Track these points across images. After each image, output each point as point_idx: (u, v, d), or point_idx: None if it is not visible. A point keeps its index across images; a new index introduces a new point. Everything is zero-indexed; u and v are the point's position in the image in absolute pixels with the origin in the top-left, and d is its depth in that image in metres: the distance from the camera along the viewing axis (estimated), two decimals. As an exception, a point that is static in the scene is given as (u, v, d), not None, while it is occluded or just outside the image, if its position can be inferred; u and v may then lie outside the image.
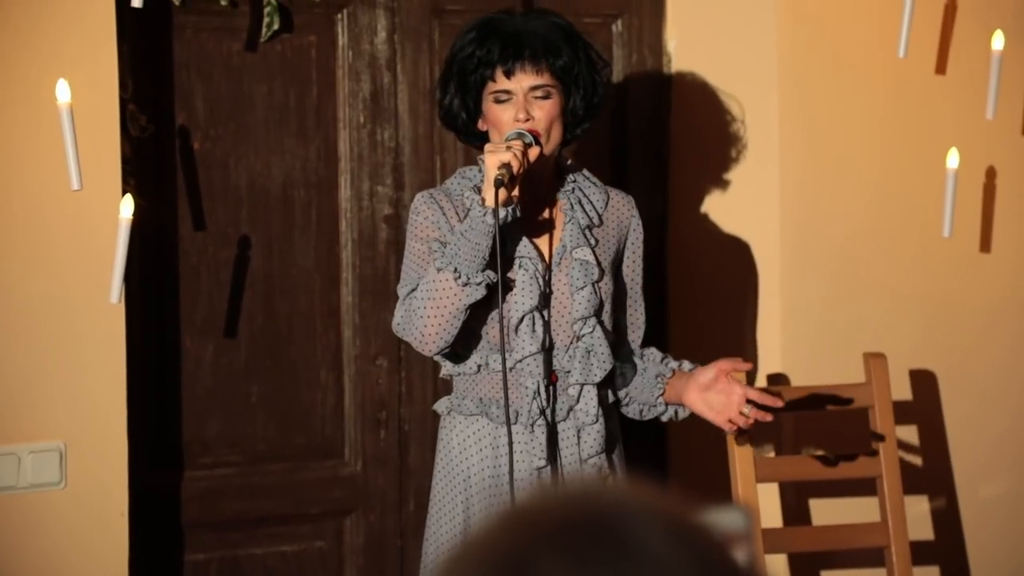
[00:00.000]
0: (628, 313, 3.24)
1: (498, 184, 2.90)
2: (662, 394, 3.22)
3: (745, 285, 4.00)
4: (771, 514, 3.92)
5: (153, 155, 3.62)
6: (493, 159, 2.93)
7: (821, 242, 3.99)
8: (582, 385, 3.08)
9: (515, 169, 2.92)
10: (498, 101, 3.05)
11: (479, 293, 2.97)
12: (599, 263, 3.11)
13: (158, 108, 3.61)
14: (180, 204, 3.65)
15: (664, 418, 3.27)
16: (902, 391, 4.03)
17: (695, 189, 4.03)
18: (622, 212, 3.20)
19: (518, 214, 2.98)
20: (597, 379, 3.09)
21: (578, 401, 3.09)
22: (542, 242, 3.11)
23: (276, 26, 3.67)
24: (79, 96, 3.34)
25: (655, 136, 4.04)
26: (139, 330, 3.58)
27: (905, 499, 3.71)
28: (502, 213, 2.93)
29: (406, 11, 3.80)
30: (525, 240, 3.07)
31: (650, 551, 1.24)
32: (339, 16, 3.76)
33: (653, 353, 3.24)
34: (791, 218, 3.97)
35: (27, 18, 3.36)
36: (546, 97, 3.04)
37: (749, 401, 3.16)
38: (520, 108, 3.02)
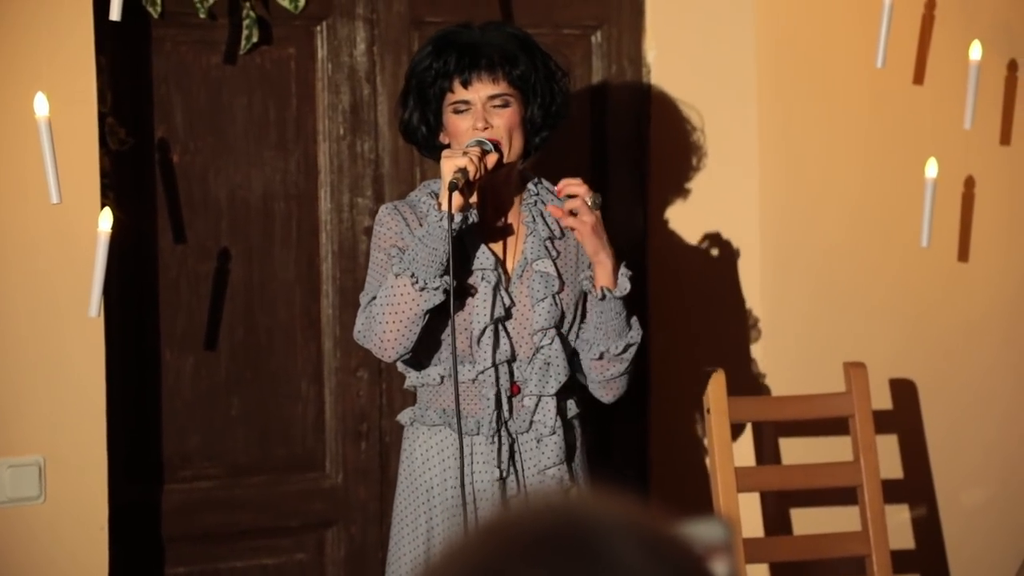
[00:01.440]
0: (587, 324, 3.18)
1: (452, 188, 2.92)
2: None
3: (726, 295, 4.01)
4: (752, 524, 3.93)
5: (132, 168, 3.61)
6: (449, 164, 2.95)
7: (801, 252, 3.99)
8: (539, 396, 3.09)
9: (471, 174, 2.94)
10: (457, 112, 3.07)
11: (436, 298, 2.98)
12: (560, 275, 3.13)
13: (137, 121, 3.61)
14: (160, 217, 3.64)
15: (611, 327, 3.12)
16: (882, 400, 4.04)
17: (675, 199, 4.04)
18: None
19: (474, 219, 3.00)
20: (552, 391, 3.09)
21: (535, 412, 3.10)
22: (506, 255, 3.14)
23: (255, 38, 3.67)
24: (57, 109, 3.33)
25: (634, 146, 4.04)
26: (119, 343, 3.58)
27: (886, 508, 3.72)
28: (458, 218, 2.94)
29: (385, 23, 3.81)
30: (487, 251, 3.09)
31: (625, 564, 1.24)
32: (318, 28, 3.76)
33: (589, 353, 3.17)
34: (771, 228, 3.97)
35: (4, 31, 3.36)
36: (504, 106, 3.05)
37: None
38: (479, 117, 3.04)
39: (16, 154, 3.35)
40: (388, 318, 3.00)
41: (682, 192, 4.03)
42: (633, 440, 4.05)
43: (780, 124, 3.97)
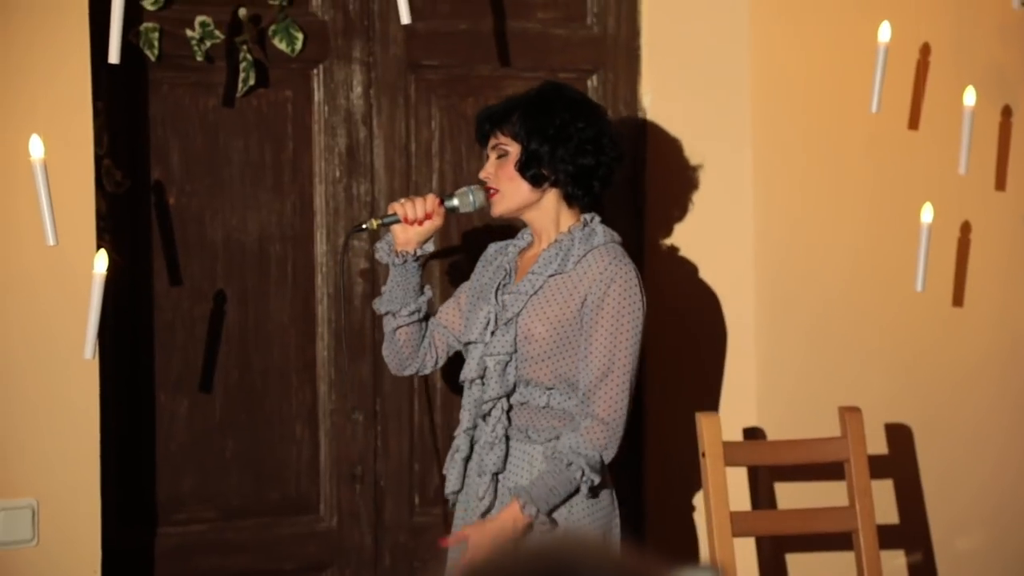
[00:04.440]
0: (580, 360, 3.27)
1: (356, 229, 3.43)
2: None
3: (721, 339, 4.01)
4: (748, 569, 3.91)
5: (128, 210, 3.62)
6: (390, 208, 3.39)
7: (796, 296, 3.99)
8: (493, 405, 3.31)
9: (401, 217, 3.35)
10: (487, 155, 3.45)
11: (390, 322, 3.41)
12: (526, 306, 3.32)
13: (133, 163, 3.62)
14: (155, 259, 3.64)
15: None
16: (878, 445, 4.03)
17: (670, 242, 4.04)
18: (592, 268, 3.29)
19: (422, 252, 3.37)
20: (484, 410, 3.31)
21: (494, 420, 3.31)
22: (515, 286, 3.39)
23: (252, 81, 3.68)
24: (54, 152, 3.34)
25: (630, 189, 4.05)
26: (113, 386, 3.57)
27: (881, 554, 3.70)
28: (412, 252, 3.37)
29: (382, 66, 3.82)
30: (502, 283, 3.39)
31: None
32: (315, 71, 3.77)
33: (567, 437, 3.26)
34: (766, 272, 3.98)
35: (2, 74, 3.37)
36: (502, 157, 3.38)
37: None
38: (486, 170, 3.41)
39: (12, 196, 3.36)
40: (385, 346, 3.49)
41: (677, 235, 4.03)
42: (628, 483, 4.04)
43: (774, 168, 3.98)
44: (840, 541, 3.77)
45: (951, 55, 4.09)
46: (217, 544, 3.70)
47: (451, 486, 3.36)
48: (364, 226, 3.38)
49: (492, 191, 3.37)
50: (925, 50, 4.08)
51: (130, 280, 3.60)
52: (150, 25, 3.59)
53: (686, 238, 4.02)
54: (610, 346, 3.22)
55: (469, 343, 3.33)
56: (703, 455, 3.60)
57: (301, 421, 3.77)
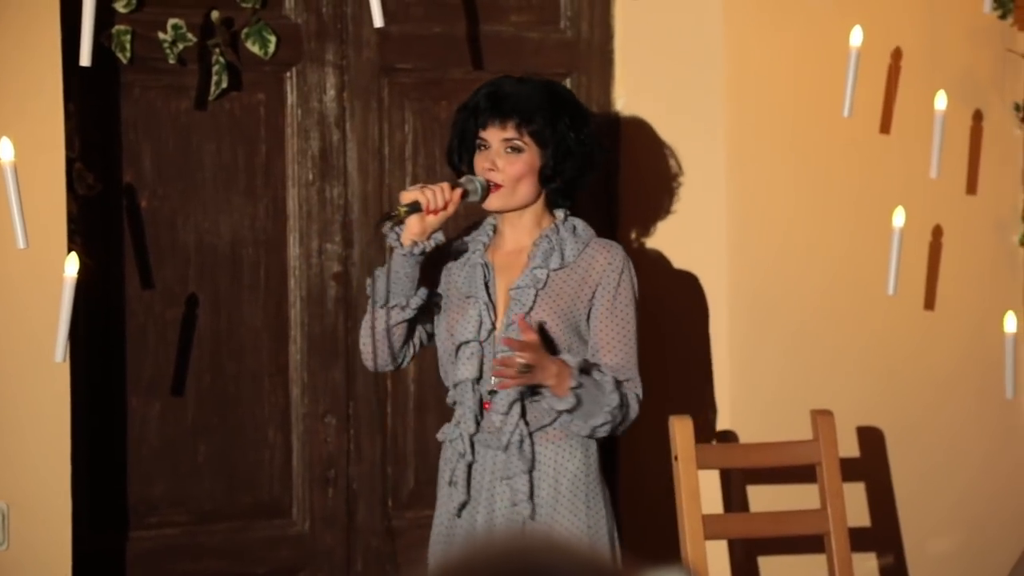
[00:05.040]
0: (589, 351, 3.30)
1: (386, 218, 3.23)
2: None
3: (694, 341, 4.01)
4: (720, 572, 3.92)
5: (100, 214, 3.60)
6: (406, 196, 3.23)
7: (769, 299, 4.00)
8: (505, 414, 3.24)
9: (424, 206, 3.20)
10: (478, 148, 3.30)
11: (382, 318, 3.27)
12: (537, 302, 3.26)
13: (105, 166, 3.61)
14: (127, 262, 3.63)
15: (570, 418, 3.28)
16: (850, 448, 4.04)
17: (644, 246, 4.05)
18: (595, 260, 3.31)
19: (429, 246, 3.23)
20: (502, 410, 3.23)
21: (501, 427, 3.24)
22: (504, 283, 3.32)
23: (224, 84, 3.67)
24: (25, 154, 3.33)
25: (604, 193, 4.06)
26: (84, 389, 3.56)
27: (853, 556, 3.71)
28: (422, 244, 3.21)
29: (355, 70, 3.82)
30: (485, 280, 3.31)
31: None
32: (288, 74, 3.76)
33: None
34: (739, 275, 3.99)
35: (-27, 76, 3.35)
36: (515, 151, 3.26)
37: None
38: (488, 157, 3.28)
39: (-17, 199, 3.34)
40: (363, 333, 3.32)
41: (651, 239, 4.04)
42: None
43: (748, 172, 3.99)
44: (812, 544, 3.78)
45: (923, 59, 4.11)
46: (189, 548, 3.69)
47: (461, 496, 3.26)
48: (392, 214, 3.21)
49: (494, 186, 3.27)
50: (897, 54, 4.09)
51: (102, 283, 3.59)
52: (122, 28, 3.58)
53: (659, 241, 4.03)
54: (631, 333, 3.30)
55: (462, 343, 3.25)
56: (675, 458, 3.60)
57: (273, 425, 3.77)
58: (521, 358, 3.13)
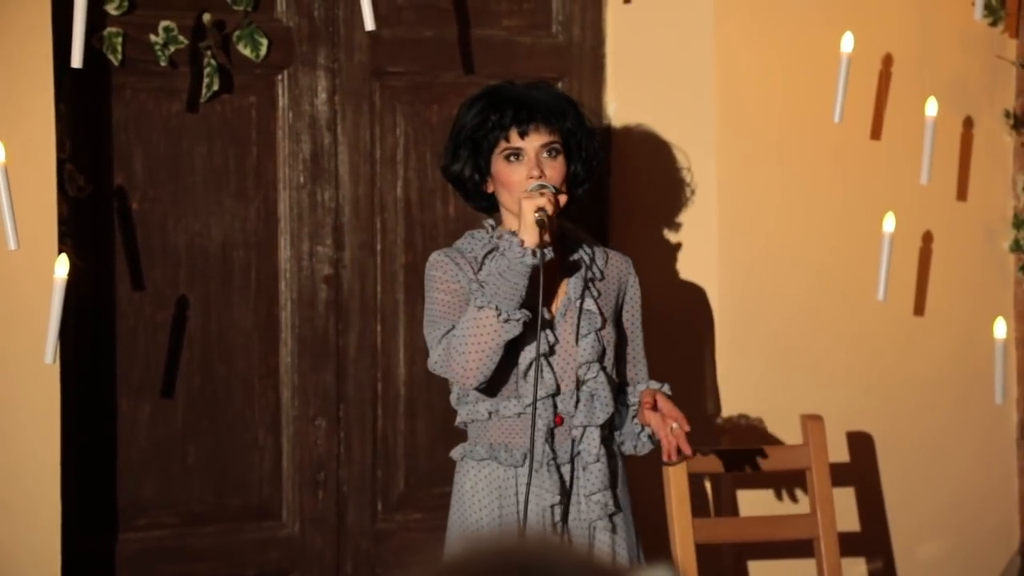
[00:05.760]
0: (628, 362, 3.37)
1: (540, 224, 3.11)
2: (634, 417, 3.31)
3: (684, 347, 4.02)
4: (710, 576, 3.92)
5: (91, 215, 3.60)
6: (530, 203, 3.13)
7: (759, 304, 4.01)
8: (585, 427, 3.22)
9: (550, 212, 3.13)
10: (508, 160, 3.22)
11: (516, 329, 3.14)
12: (601, 313, 3.27)
13: (96, 168, 3.61)
14: (118, 264, 3.63)
15: (646, 444, 3.33)
16: (840, 453, 4.05)
17: (634, 250, 4.05)
18: (621, 269, 3.36)
19: (551, 255, 3.15)
20: (600, 421, 3.23)
21: (581, 441, 3.22)
22: (548, 294, 3.25)
23: (216, 87, 3.67)
24: (16, 156, 3.33)
25: (594, 198, 4.06)
26: (74, 390, 3.56)
27: (843, 561, 3.72)
28: (540, 253, 3.11)
29: (347, 73, 3.82)
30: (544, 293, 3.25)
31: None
32: (280, 77, 3.77)
33: (635, 389, 3.36)
34: (729, 280, 3.99)
35: (-35, 77, 3.35)
36: (555, 155, 3.22)
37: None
38: (533, 165, 3.20)
39: (-26, 200, 3.34)
40: (471, 348, 3.14)
41: (641, 244, 4.04)
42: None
43: (738, 177, 4.00)
44: (801, 548, 3.78)
45: (913, 66, 4.12)
46: (179, 550, 3.68)
47: (554, 497, 3.21)
48: (540, 219, 3.10)
49: (558, 193, 3.17)
50: (887, 61, 4.10)
51: (92, 285, 3.59)
52: (113, 30, 3.58)
53: (650, 246, 4.03)
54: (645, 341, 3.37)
55: (531, 360, 3.17)
56: (665, 463, 3.60)
57: (264, 427, 3.77)
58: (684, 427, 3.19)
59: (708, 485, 3.97)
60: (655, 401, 3.23)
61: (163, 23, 3.61)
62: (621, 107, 4.06)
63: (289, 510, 3.79)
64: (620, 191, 4.06)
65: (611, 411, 3.23)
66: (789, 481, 3.88)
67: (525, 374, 3.20)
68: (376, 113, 3.85)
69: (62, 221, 3.48)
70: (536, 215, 3.10)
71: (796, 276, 4.04)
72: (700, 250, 3.99)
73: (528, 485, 3.17)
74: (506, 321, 3.12)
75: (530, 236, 3.11)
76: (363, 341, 3.83)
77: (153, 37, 3.60)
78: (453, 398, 3.30)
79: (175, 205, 3.69)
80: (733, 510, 3.97)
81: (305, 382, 3.79)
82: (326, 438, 3.81)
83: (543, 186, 3.17)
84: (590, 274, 3.28)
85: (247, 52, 3.70)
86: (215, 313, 3.72)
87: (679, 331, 4.02)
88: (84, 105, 3.58)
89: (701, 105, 3.98)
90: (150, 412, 3.66)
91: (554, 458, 3.21)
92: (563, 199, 3.20)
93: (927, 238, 4.18)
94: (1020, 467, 4.28)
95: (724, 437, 3.98)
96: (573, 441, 3.23)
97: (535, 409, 3.18)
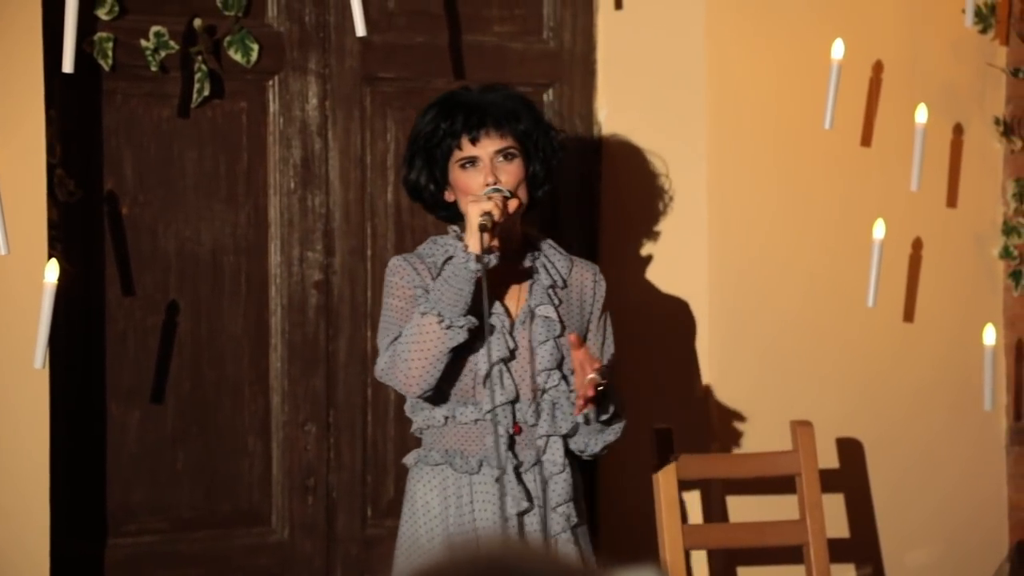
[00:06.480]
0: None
1: (482, 229, 3.05)
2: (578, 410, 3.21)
3: (675, 352, 4.02)
4: (699, 582, 3.92)
5: (81, 220, 3.60)
6: (475, 208, 3.08)
7: (749, 310, 4.01)
8: (548, 436, 3.17)
9: (496, 217, 3.07)
10: (464, 168, 3.19)
11: (461, 336, 3.09)
12: (561, 320, 3.23)
13: (86, 173, 3.60)
14: (108, 269, 3.63)
15: (591, 433, 3.22)
16: (829, 459, 4.05)
17: (625, 257, 4.06)
18: (585, 277, 3.31)
19: (495, 262, 3.09)
20: (563, 431, 3.19)
21: (545, 452, 3.18)
22: (509, 301, 3.23)
23: (207, 92, 3.68)
24: (5, 160, 3.33)
25: (585, 204, 4.07)
26: (64, 395, 3.55)
27: (832, 567, 3.72)
28: (484, 259, 3.05)
29: (337, 78, 3.82)
30: (493, 299, 3.20)
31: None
32: (270, 83, 3.77)
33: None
34: (719, 286, 3.99)
35: (-45, 82, 3.35)
36: (510, 158, 3.18)
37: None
38: (488, 171, 3.17)
39: (-37, 204, 3.34)
40: (414, 355, 3.10)
41: (632, 250, 4.05)
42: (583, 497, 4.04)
43: (729, 183, 4.00)
44: (791, 554, 3.78)
45: (903, 73, 4.13)
46: (168, 556, 3.68)
47: (520, 505, 3.15)
48: (484, 224, 3.04)
49: (510, 197, 3.14)
50: (878, 67, 4.11)
51: (82, 290, 3.59)
52: (104, 35, 3.58)
53: (640, 252, 4.04)
54: (611, 345, 3.31)
55: (489, 367, 3.12)
56: (655, 468, 3.61)
57: (253, 433, 3.76)
58: (600, 379, 3.05)
59: (698, 491, 3.97)
60: (580, 345, 3.08)
61: (154, 28, 3.61)
62: (612, 113, 4.06)
63: (279, 516, 3.79)
64: (610, 197, 4.07)
65: (575, 421, 3.17)
66: (779, 487, 3.88)
67: (484, 381, 3.15)
68: (367, 118, 3.85)
69: (52, 226, 3.48)
70: (481, 219, 3.04)
71: (786, 282, 4.04)
72: (690, 256, 3.99)
73: (501, 493, 3.13)
74: (448, 328, 3.07)
75: (474, 241, 3.05)
76: (353, 346, 3.83)
77: (144, 42, 3.61)
78: (407, 407, 3.25)
79: (165, 210, 3.69)
80: (723, 516, 3.97)
81: (295, 387, 3.79)
82: (316, 444, 3.81)
83: (497, 190, 3.12)
84: (550, 280, 3.23)
85: (238, 57, 3.70)
86: (205, 318, 3.72)
87: (670, 337, 4.02)
88: (75, 110, 3.58)
89: (692, 111, 3.99)
90: (140, 417, 3.66)
91: (518, 466, 3.16)
92: (513, 203, 3.14)
93: (917, 245, 4.19)
94: (1009, 474, 4.28)
95: (714, 443, 3.98)
96: (537, 451, 3.17)
97: (495, 417, 3.13)
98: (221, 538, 3.73)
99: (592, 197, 4.07)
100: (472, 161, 3.17)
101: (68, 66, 3.37)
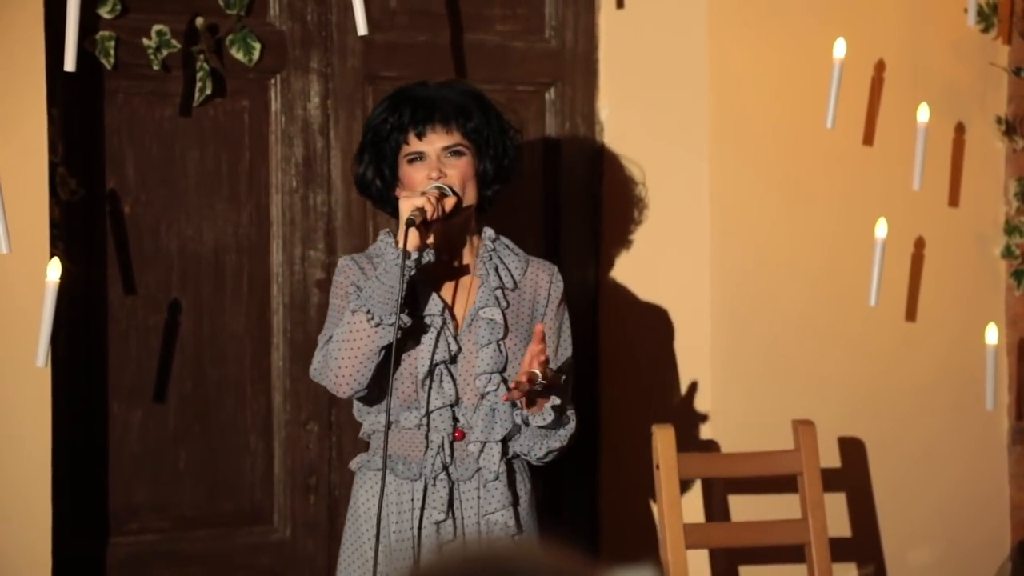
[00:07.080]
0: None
1: (409, 224, 2.99)
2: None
3: (676, 351, 4.02)
4: (701, 581, 3.92)
5: (83, 219, 3.60)
6: (407, 203, 3.03)
7: (751, 309, 4.01)
8: (484, 443, 3.12)
9: (428, 214, 3.01)
10: (411, 163, 3.14)
11: (390, 335, 3.03)
12: (506, 323, 3.16)
13: (88, 172, 3.61)
14: (110, 268, 3.63)
15: (534, 437, 3.15)
16: (831, 459, 4.05)
17: (627, 256, 4.06)
18: (539, 278, 3.24)
19: (430, 259, 3.05)
20: (498, 437, 3.13)
21: (480, 457, 3.13)
22: (458, 303, 3.18)
23: (209, 91, 3.68)
24: (7, 159, 3.33)
25: (587, 203, 4.06)
26: (66, 394, 3.55)
27: (834, 567, 3.72)
28: (415, 256, 3.01)
29: (340, 77, 3.82)
30: (438, 299, 3.15)
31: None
32: (272, 81, 3.77)
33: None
34: (721, 285, 3.99)
35: (-43, 80, 3.35)
36: (458, 155, 3.12)
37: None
38: (433, 167, 3.11)
39: (-34, 203, 3.34)
40: (344, 354, 3.05)
41: (634, 249, 4.05)
42: (583, 496, 4.05)
43: (731, 182, 4.00)
44: (793, 553, 3.78)
45: (905, 72, 4.13)
46: (170, 555, 3.68)
47: (440, 514, 3.09)
48: (413, 221, 2.98)
49: (448, 195, 3.07)
50: (880, 67, 4.11)
51: (84, 289, 3.59)
52: (106, 33, 3.58)
53: (642, 251, 4.04)
54: (570, 361, 3.22)
55: (430, 368, 3.08)
56: (657, 467, 3.61)
57: (255, 432, 3.77)
58: (544, 375, 2.98)
59: (700, 490, 3.97)
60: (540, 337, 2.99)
61: (156, 27, 3.61)
62: (614, 112, 4.06)
63: (281, 514, 3.79)
64: (612, 197, 4.07)
65: (510, 426, 3.11)
66: (781, 486, 3.88)
67: (423, 382, 3.09)
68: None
69: (54, 225, 3.48)
70: (410, 215, 2.98)
71: (788, 282, 4.04)
72: (693, 255, 3.99)
73: (424, 501, 3.07)
74: (377, 325, 3.01)
75: (403, 237, 2.99)
76: (355, 345, 3.83)
77: (146, 41, 3.61)
78: (355, 410, 3.21)
79: (167, 209, 3.69)
80: (725, 515, 3.97)
81: (297, 386, 3.79)
82: (318, 442, 3.81)
83: (439, 186, 3.07)
84: (498, 282, 3.16)
85: (240, 56, 3.70)
86: (207, 317, 3.73)
87: (671, 336, 4.02)
88: (76, 108, 3.58)
89: (694, 110, 3.99)
90: (142, 416, 3.66)
91: (446, 473, 3.10)
92: (449, 202, 3.07)
93: (919, 244, 4.19)
94: (1011, 473, 4.28)
95: (716, 442, 3.98)
96: (472, 456, 3.11)
97: (429, 420, 3.08)
98: (223, 537, 3.73)
99: (594, 196, 4.07)
100: (420, 156, 3.12)
101: (70, 65, 3.37)
